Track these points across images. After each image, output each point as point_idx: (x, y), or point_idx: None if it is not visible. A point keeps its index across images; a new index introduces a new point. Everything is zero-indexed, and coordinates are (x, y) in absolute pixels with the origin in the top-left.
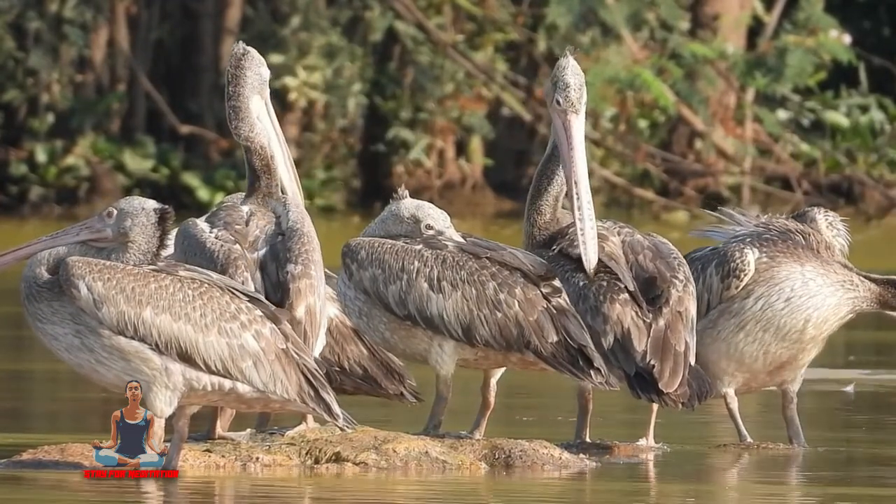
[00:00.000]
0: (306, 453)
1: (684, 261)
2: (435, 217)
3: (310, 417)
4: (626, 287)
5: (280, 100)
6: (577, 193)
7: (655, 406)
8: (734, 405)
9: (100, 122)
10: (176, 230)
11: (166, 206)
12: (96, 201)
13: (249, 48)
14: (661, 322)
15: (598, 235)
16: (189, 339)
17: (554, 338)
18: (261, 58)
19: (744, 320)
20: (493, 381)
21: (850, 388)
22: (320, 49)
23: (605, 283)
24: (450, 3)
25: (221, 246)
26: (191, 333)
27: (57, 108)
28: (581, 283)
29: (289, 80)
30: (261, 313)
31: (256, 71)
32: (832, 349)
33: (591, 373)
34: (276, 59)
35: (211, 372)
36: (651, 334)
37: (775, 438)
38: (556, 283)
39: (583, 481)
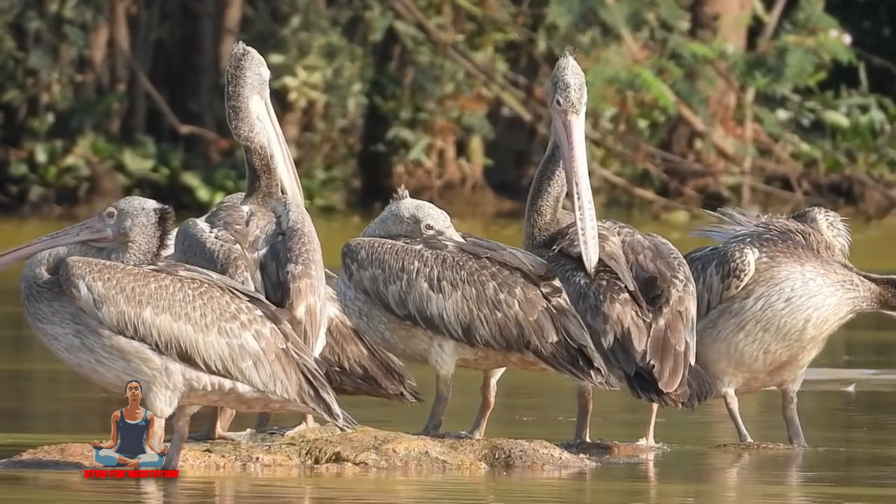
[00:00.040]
0: (306, 453)
1: (684, 261)
2: (435, 217)
3: (310, 417)
4: (626, 287)
5: (280, 100)
6: (577, 193)
7: (656, 406)
8: (734, 405)
9: (100, 122)
10: (176, 230)
11: (166, 206)
12: (96, 201)
13: (249, 48)
14: (662, 322)
15: (599, 235)
16: (189, 339)
17: (554, 338)
18: (261, 58)
19: (744, 320)
20: (493, 381)
21: (851, 389)
22: (320, 49)
23: (605, 283)
24: (450, 3)
25: (221, 246)
26: (191, 333)
27: (57, 108)
28: (581, 283)
29: (289, 80)
30: (261, 313)
31: (256, 71)
32: (832, 349)
33: (591, 373)
34: (276, 59)
35: (211, 372)
36: (651, 334)
37: (775, 438)
38: (556, 282)
39: (583, 481)
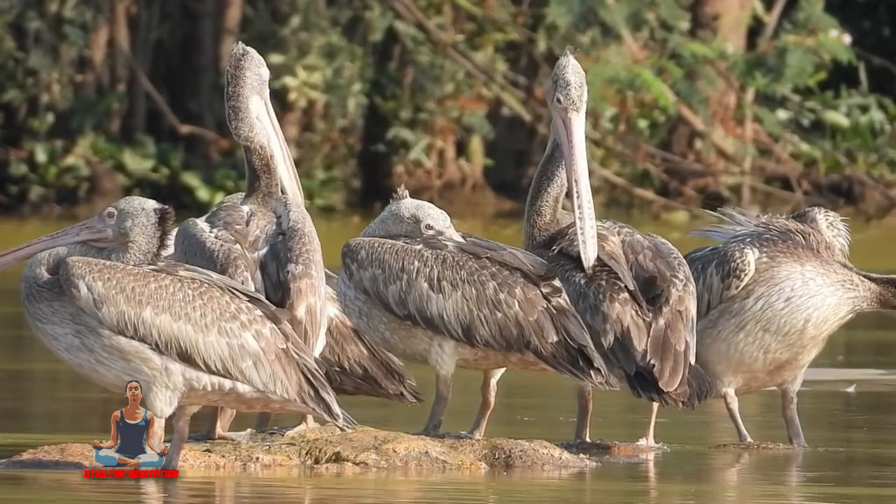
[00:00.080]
0: (306, 453)
1: (684, 260)
2: (435, 217)
3: (310, 417)
4: (626, 286)
5: (280, 100)
6: (577, 191)
7: (656, 406)
8: (734, 405)
9: (100, 122)
10: (176, 230)
11: (166, 206)
12: (96, 201)
13: (249, 48)
14: (661, 321)
15: (598, 235)
16: (189, 339)
17: (554, 338)
18: (260, 58)
19: (744, 320)
20: (493, 381)
21: (852, 389)
22: (320, 49)
23: (604, 283)
24: (450, 3)
25: (221, 246)
26: (191, 333)
27: (57, 108)
28: (581, 283)
29: (289, 80)
30: (261, 313)
31: (256, 71)
32: (832, 349)
33: (591, 373)
34: (276, 59)
35: (211, 372)
36: (651, 333)
37: (775, 438)
38: (556, 282)
39: (583, 481)
